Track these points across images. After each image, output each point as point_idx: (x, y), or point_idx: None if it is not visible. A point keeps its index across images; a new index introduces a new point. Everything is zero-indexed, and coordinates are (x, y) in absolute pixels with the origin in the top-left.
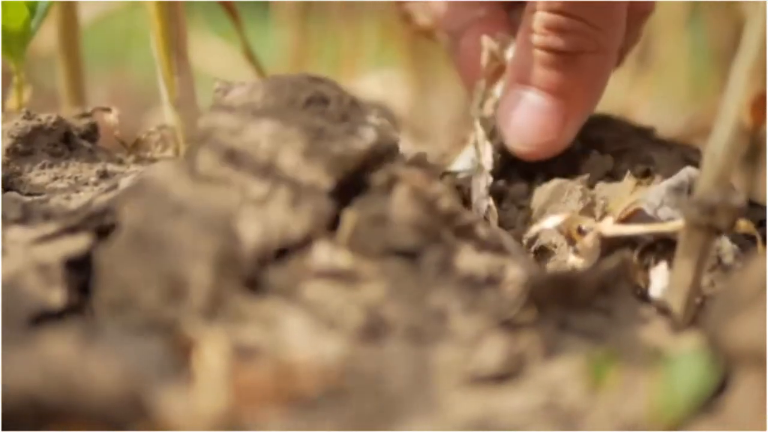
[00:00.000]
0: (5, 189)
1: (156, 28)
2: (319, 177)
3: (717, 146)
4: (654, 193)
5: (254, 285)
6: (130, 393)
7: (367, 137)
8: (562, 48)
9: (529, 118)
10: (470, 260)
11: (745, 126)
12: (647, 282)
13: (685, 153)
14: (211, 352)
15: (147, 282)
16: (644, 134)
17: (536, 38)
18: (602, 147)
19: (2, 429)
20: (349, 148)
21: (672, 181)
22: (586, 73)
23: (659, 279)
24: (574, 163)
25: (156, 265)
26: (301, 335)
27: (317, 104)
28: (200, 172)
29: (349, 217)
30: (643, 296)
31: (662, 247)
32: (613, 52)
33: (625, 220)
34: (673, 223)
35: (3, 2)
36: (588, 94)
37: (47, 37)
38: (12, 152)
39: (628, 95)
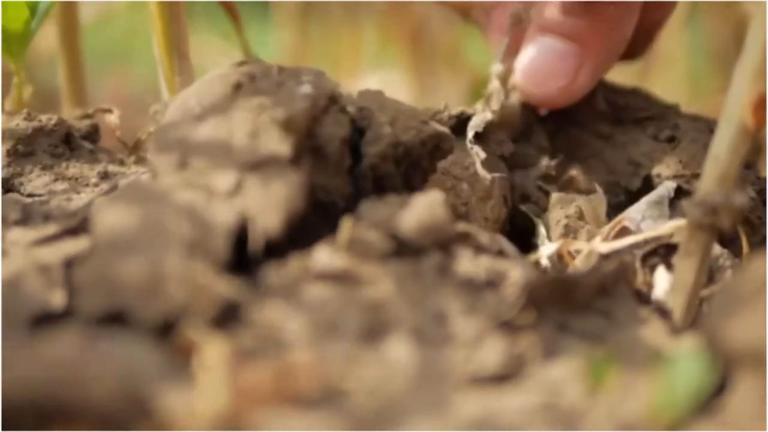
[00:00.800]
0: (6, 190)
1: (157, 28)
2: (276, 147)
3: (720, 146)
4: (635, 209)
5: (233, 270)
6: (131, 393)
7: (304, 92)
8: None
9: (542, 61)
10: (469, 264)
11: (747, 127)
12: (650, 286)
13: (710, 124)
14: (213, 353)
15: (126, 282)
16: (670, 106)
17: None
18: (628, 113)
19: (2, 429)
20: (292, 108)
21: (652, 196)
22: (604, 21)
23: (662, 282)
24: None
25: (132, 265)
26: (302, 336)
27: (247, 85)
28: (163, 180)
29: (347, 223)
30: (645, 299)
31: (664, 251)
32: (635, 5)
33: (614, 237)
34: (663, 228)
35: (3, 2)
36: (605, 43)
37: (48, 36)
38: (13, 153)
39: None
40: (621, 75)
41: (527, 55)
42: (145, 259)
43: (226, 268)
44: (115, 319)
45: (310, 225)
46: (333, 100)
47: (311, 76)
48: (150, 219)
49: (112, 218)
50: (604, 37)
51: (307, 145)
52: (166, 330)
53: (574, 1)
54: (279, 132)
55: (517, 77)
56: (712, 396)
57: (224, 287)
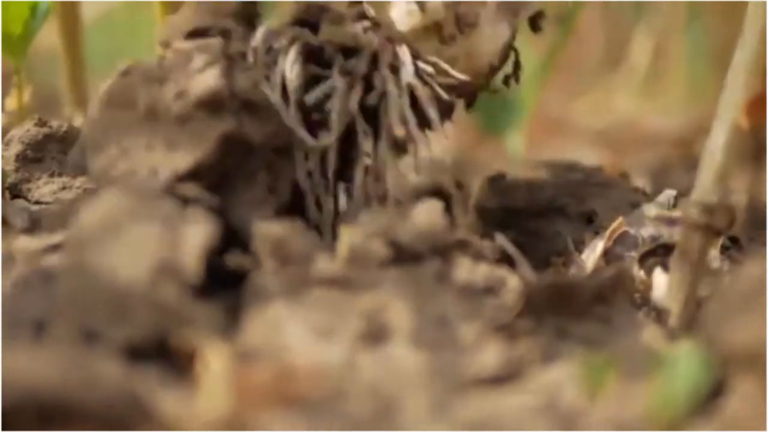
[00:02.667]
0: (13, 195)
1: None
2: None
3: (715, 147)
4: (635, 215)
5: (202, 292)
6: (132, 394)
7: (202, 64)
8: None
9: None
10: (468, 270)
11: (741, 127)
12: (648, 287)
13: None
14: (214, 357)
15: (91, 305)
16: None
17: None
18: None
19: (3, 429)
20: (209, 87)
21: (652, 203)
22: None
23: (661, 283)
24: None
25: (98, 287)
26: (302, 339)
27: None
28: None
29: (347, 231)
30: (643, 301)
31: (662, 251)
32: None
33: (615, 241)
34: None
35: (3, 2)
36: None
37: (49, 36)
38: (22, 158)
39: (629, 96)
40: (623, 76)
41: None
42: (113, 280)
43: (198, 287)
44: (90, 338)
45: (278, 169)
46: (228, 57)
47: (196, 45)
48: (122, 234)
49: (85, 233)
50: None
51: (238, 106)
52: (135, 353)
53: None
54: (209, 113)
55: None
56: (712, 397)
57: (192, 311)
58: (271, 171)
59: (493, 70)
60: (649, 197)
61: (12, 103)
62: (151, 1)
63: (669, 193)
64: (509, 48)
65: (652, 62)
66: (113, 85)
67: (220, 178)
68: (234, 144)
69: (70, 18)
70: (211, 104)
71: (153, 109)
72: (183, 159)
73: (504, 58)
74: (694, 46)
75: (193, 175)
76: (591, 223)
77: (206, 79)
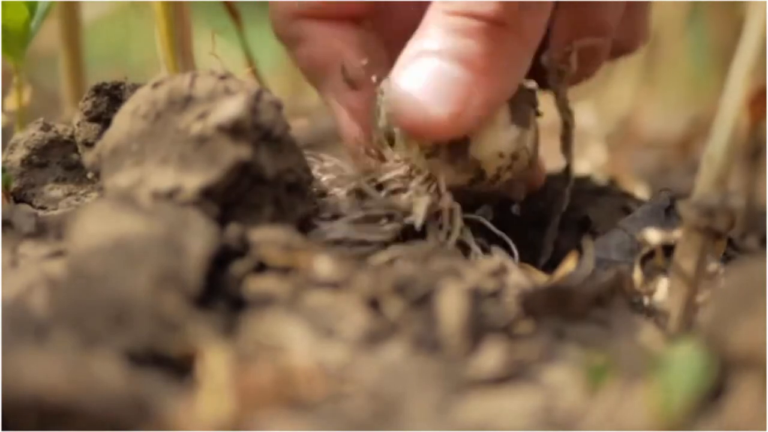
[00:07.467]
0: (18, 200)
1: (161, 28)
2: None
3: (715, 148)
4: (629, 219)
5: (203, 300)
6: (133, 396)
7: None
8: (483, 15)
9: (429, 82)
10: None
11: (743, 126)
12: (650, 289)
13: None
14: (215, 359)
15: (92, 313)
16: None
17: (454, 5)
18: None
19: (3, 429)
20: (232, 112)
21: (647, 206)
22: (500, 44)
23: (662, 285)
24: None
25: (100, 295)
26: (302, 341)
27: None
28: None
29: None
30: (641, 307)
31: (662, 254)
32: (534, 40)
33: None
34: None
35: (3, 2)
36: (502, 69)
37: (48, 36)
38: (27, 163)
39: (629, 96)
40: (622, 77)
41: (407, 76)
42: (114, 288)
43: (198, 296)
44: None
45: (286, 206)
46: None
47: (225, 79)
48: (125, 242)
49: (88, 239)
50: (500, 62)
51: (257, 137)
52: (134, 360)
53: (476, 21)
54: (227, 138)
55: (398, 102)
56: (712, 397)
57: (191, 323)
58: (278, 206)
59: None
60: (641, 201)
61: (12, 103)
62: (151, 1)
63: (665, 195)
64: None
65: (653, 60)
66: (141, 95)
67: (225, 205)
68: (246, 173)
69: (70, 18)
70: (231, 130)
71: (174, 124)
72: (193, 178)
73: None
74: (694, 45)
75: (200, 195)
76: (585, 230)
77: (230, 105)
